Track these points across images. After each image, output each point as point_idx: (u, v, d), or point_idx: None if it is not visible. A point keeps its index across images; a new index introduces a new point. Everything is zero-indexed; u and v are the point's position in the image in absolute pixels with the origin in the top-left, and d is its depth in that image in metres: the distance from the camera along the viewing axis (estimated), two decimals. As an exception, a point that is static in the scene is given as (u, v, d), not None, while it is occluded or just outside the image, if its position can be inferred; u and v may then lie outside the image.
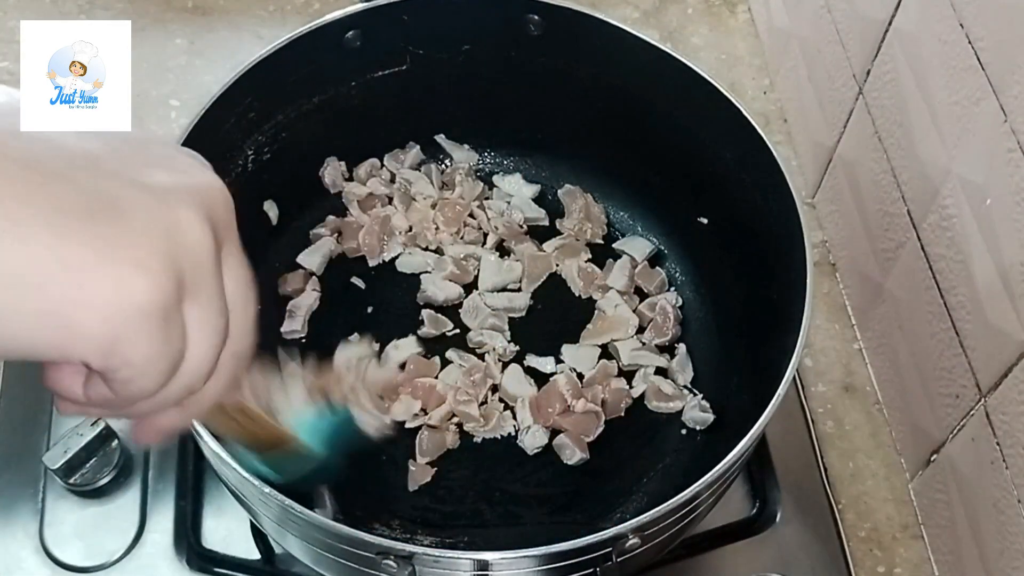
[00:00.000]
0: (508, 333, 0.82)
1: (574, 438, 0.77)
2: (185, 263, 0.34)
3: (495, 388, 0.79)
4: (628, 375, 0.81)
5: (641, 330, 0.83)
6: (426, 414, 0.78)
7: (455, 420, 0.78)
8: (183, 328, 0.34)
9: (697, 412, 0.78)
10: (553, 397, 0.78)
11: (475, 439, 0.78)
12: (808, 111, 0.95)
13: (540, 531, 0.73)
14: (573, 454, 0.76)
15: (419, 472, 0.75)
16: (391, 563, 0.56)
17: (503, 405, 0.79)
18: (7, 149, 0.35)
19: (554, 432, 0.77)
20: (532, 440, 0.77)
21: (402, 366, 0.80)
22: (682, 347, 0.82)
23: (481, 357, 0.81)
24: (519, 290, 0.84)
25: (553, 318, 0.84)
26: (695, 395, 0.79)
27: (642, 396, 0.80)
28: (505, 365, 0.80)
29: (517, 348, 0.81)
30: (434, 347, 0.82)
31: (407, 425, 0.77)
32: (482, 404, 0.78)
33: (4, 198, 0.32)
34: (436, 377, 0.79)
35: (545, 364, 0.81)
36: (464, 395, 0.78)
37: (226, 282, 0.37)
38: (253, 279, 0.39)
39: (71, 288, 0.31)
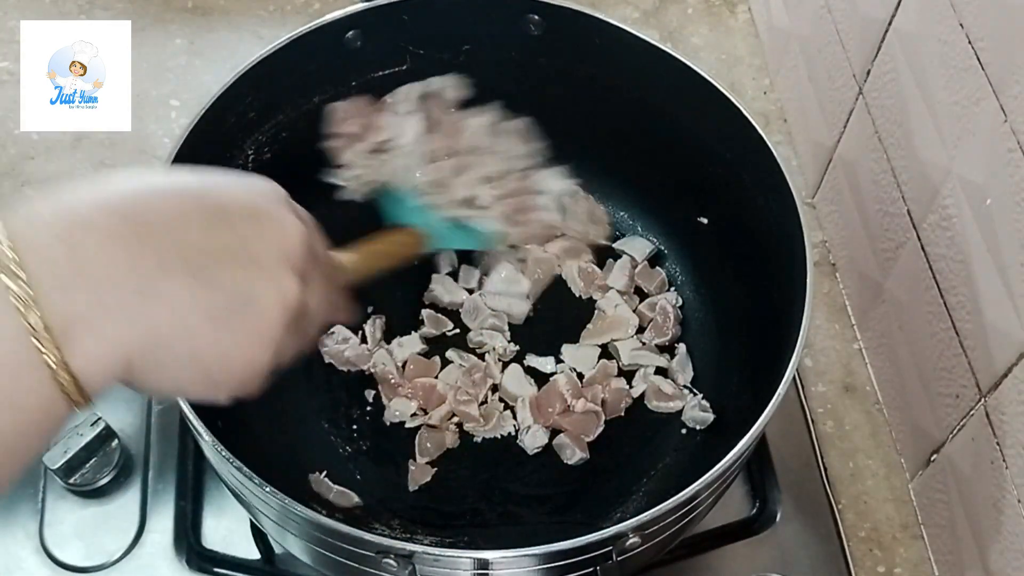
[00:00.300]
0: (508, 333, 0.82)
1: (574, 438, 0.77)
2: (291, 317, 0.45)
3: (495, 388, 0.79)
4: (628, 375, 0.81)
5: (641, 330, 0.83)
6: (426, 414, 0.78)
7: (455, 420, 0.78)
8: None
9: (697, 412, 0.78)
10: (553, 397, 0.78)
11: (475, 439, 0.78)
12: (808, 111, 0.95)
13: (540, 530, 0.73)
14: (573, 454, 0.76)
15: (419, 472, 0.75)
16: (391, 562, 0.57)
17: (503, 405, 0.79)
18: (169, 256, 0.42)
19: (554, 432, 0.77)
20: (532, 440, 0.77)
21: (402, 366, 0.80)
22: (682, 347, 0.82)
23: (481, 357, 0.81)
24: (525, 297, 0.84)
25: (553, 318, 0.84)
26: (695, 395, 0.79)
27: (642, 396, 0.80)
28: (505, 365, 0.80)
29: (517, 348, 0.81)
30: (434, 347, 0.82)
31: (407, 425, 0.78)
32: (482, 404, 0.78)
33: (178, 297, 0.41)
34: (436, 377, 0.79)
35: (545, 364, 0.81)
36: (464, 395, 0.78)
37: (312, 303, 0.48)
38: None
39: (220, 359, 0.44)
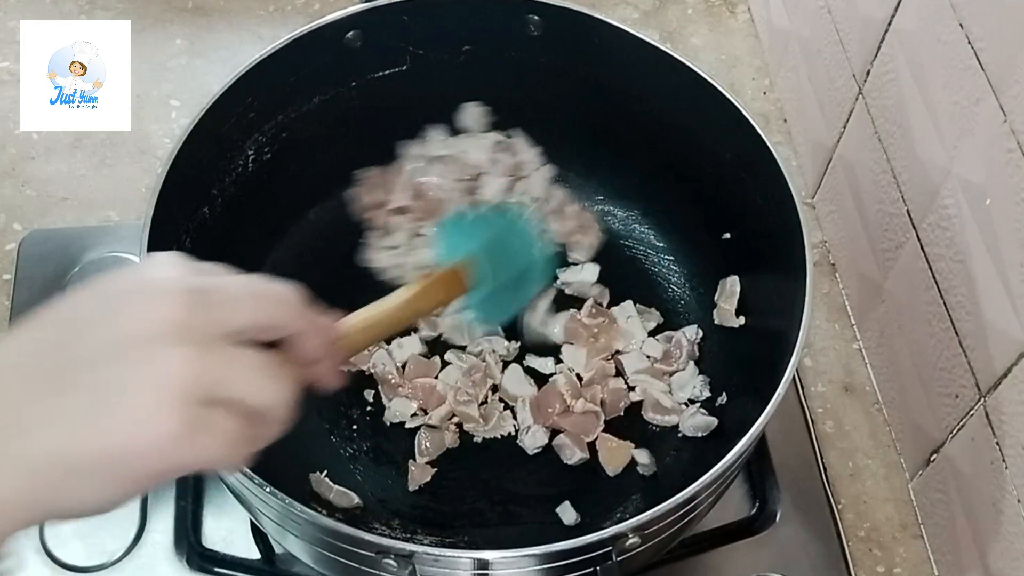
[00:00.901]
0: (503, 334, 0.82)
1: (574, 438, 0.77)
2: (188, 389, 0.39)
3: (495, 388, 0.79)
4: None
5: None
6: (426, 414, 0.78)
7: (455, 420, 0.78)
8: (218, 417, 0.40)
9: (699, 418, 0.77)
10: (553, 397, 0.78)
11: (475, 439, 0.78)
12: (808, 111, 0.95)
13: (540, 530, 0.73)
14: (573, 454, 0.76)
15: (419, 472, 0.75)
16: (391, 562, 0.57)
17: (503, 405, 0.79)
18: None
19: (554, 432, 0.77)
20: (532, 440, 0.77)
21: (402, 366, 0.80)
22: (691, 365, 0.81)
23: (481, 358, 0.81)
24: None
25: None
26: (693, 404, 0.79)
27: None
28: (505, 365, 0.80)
29: (518, 345, 0.81)
30: (434, 347, 0.82)
31: (407, 426, 0.78)
32: (482, 404, 0.78)
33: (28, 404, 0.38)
34: (436, 377, 0.79)
35: (545, 364, 0.81)
36: (464, 395, 0.78)
37: (238, 369, 0.41)
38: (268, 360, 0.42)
39: (120, 456, 0.38)
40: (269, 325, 0.43)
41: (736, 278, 0.80)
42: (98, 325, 0.39)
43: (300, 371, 0.45)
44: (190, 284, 0.41)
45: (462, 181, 0.78)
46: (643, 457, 0.77)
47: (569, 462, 0.76)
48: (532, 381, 0.79)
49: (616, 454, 0.76)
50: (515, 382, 0.79)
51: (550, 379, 0.79)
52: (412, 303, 0.58)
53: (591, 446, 0.77)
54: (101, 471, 0.38)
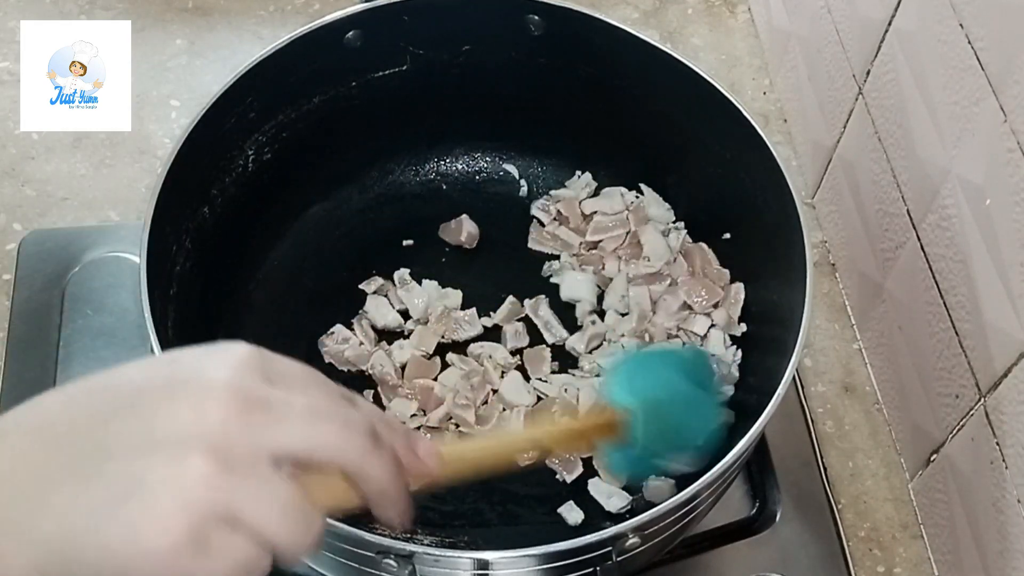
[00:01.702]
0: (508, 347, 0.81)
1: (564, 461, 0.75)
2: (199, 507, 0.36)
3: (495, 390, 0.79)
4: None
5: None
6: (425, 415, 0.78)
7: (454, 421, 0.78)
8: (229, 542, 0.37)
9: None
10: (545, 416, 0.76)
11: (475, 439, 0.78)
12: (808, 111, 0.95)
13: (540, 530, 0.73)
14: (568, 474, 0.75)
15: (419, 472, 0.75)
16: (391, 562, 0.57)
17: (502, 407, 0.78)
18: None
19: None
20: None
21: (402, 367, 0.80)
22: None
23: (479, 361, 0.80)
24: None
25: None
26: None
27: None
28: (504, 372, 0.80)
29: (517, 362, 0.80)
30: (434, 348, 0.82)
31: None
32: (482, 404, 0.78)
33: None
34: (436, 379, 0.79)
35: (549, 387, 0.79)
36: (463, 399, 0.77)
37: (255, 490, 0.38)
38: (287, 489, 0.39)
39: (115, 558, 0.36)
40: (323, 460, 0.40)
41: (740, 285, 0.80)
42: (136, 413, 0.38)
43: (359, 502, 0.42)
44: (247, 391, 0.38)
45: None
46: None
47: (568, 479, 0.75)
48: (532, 389, 0.79)
49: None
50: (514, 390, 0.78)
51: (547, 398, 0.78)
52: (549, 442, 0.55)
53: (586, 459, 0.76)
54: (105, 567, 0.36)
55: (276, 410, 0.38)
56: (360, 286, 0.83)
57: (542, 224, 0.87)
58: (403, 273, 0.83)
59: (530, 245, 0.86)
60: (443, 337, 0.81)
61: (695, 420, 0.62)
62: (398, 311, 0.82)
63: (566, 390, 0.78)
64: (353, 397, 0.43)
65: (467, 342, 0.81)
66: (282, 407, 0.39)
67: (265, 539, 0.38)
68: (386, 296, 0.83)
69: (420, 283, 0.83)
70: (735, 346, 0.79)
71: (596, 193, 0.88)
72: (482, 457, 0.50)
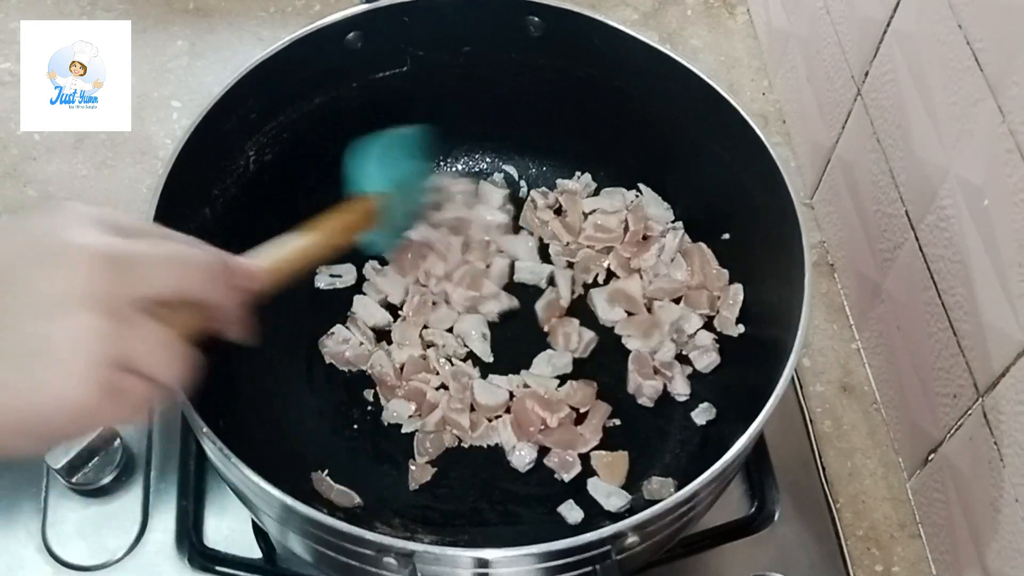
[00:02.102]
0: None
1: (561, 458, 0.76)
2: (103, 352, 0.42)
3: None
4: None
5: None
6: (421, 417, 0.78)
7: (449, 426, 0.78)
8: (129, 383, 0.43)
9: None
10: (529, 415, 0.77)
11: (475, 439, 0.78)
12: (807, 112, 0.96)
13: (540, 530, 0.73)
14: (567, 472, 0.75)
15: (419, 472, 0.75)
16: (392, 561, 0.57)
17: (486, 418, 0.78)
18: None
19: (543, 449, 0.77)
20: (520, 459, 0.76)
21: (401, 367, 0.80)
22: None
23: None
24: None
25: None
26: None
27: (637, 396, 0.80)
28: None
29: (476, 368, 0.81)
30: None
31: (403, 429, 0.77)
32: (472, 411, 0.78)
33: None
34: (436, 375, 0.79)
35: (508, 382, 0.80)
36: (457, 403, 0.77)
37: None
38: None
39: (24, 407, 0.41)
40: (183, 294, 0.46)
41: (740, 286, 0.80)
42: (17, 284, 0.41)
43: (207, 326, 0.49)
44: (108, 249, 0.43)
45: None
46: (680, 386, 0.78)
47: (566, 479, 0.76)
48: (501, 385, 0.78)
49: (614, 468, 0.75)
50: (487, 393, 0.78)
51: (515, 398, 0.78)
52: (324, 239, 0.64)
53: (584, 458, 0.76)
54: (21, 430, 0.41)
55: (138, 262, 0.44)
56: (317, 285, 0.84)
57: (535, 206, 0.87)
58: (372, 264, 0.84)
59: (521, 222, 0.87)
60: (427, 327, 0.82)
61: (418, 187, 0.77)
62: (383, 305, 0.82)
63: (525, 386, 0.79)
64: (189, 239, 0.49)
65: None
66: (142, 259, 0.44)
67: (155, 376, 0.44)
68: (364, 293, 0.83)
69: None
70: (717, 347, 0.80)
71: (596, 193, 0.88)
72: (293, 259, 0.61)
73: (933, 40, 0.70)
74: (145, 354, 0.43)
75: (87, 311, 0.41)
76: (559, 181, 0.89)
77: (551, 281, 0.84)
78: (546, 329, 0.82)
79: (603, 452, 0.76)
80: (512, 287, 0.85)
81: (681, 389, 0.78)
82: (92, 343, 0.41)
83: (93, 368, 0.41)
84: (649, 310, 0.82)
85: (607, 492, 0.74)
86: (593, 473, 0.76)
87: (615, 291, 0.83)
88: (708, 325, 0.81)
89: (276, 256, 0.59)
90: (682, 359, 0.80)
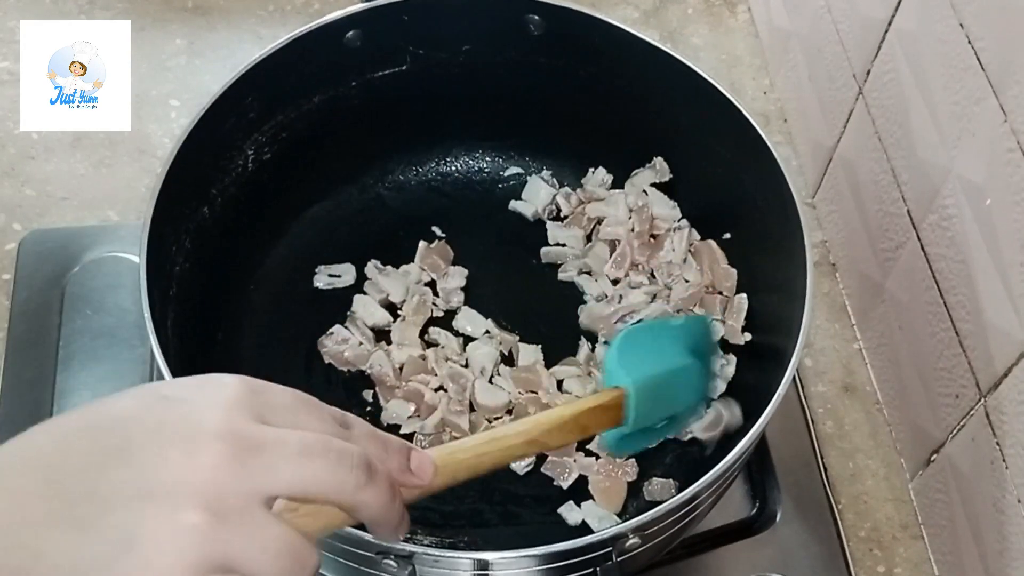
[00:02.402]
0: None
1: (559, 463, 0.75)
2: (193, 564, 0.36)
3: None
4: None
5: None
6: (421, 419, 0.78)
7: (448, 428, 0.77)
8: None
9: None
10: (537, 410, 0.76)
11: (475, 439, 0.78)
12: (808, 111, 0.95)
13: (540, 531, 0.73)
14: (565, 477, 0.75)
15: (418, 473, 0.75)
16: (391, 562, 0.57)
17: (486, 419, 0.77)
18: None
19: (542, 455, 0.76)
20: (518, 462, 0.75)
21: (400, 367, 0.80)
22: None
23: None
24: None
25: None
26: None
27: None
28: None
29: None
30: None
31: (402, 431, 0.77)
32: (472, 411, 0.78)
33: None
34: (434, 376, 0.79)
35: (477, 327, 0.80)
36: (456, 405, 0.77)
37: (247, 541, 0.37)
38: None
39: None
40: (317, 497, 0.40)
41: (744, 296, 0.79)
42: (128, 459, 0.37)
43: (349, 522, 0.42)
44: (238, 434, 0.38)
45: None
46: None
47: (565, 485, 0.75)
48: (503, 386, 0.78)
49: (611, 495, 0.74)
50: (487, 394, 0.77)
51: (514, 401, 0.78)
52: (543, 435, 0.52)
53: (589, 449, 0.76)
54: None
55: (268, 452, 0.38)
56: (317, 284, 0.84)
57: (559, 217, 0.87)
58: (373, 263, 0.84)
59: (548, 244, 0.86)
60: (427, 332, 0.81)
61: (686, 390, 0.63)
62: (384, 305, 0.82)
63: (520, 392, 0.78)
64: (346, 418, 0.43)
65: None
66: (274, 448, 0.38)
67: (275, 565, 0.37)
68: (366, 293, 0.83)
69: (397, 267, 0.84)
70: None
71: (613, 186, 0.87)
72: (477, 461, 0.49)
73: (935, 39, 0.70)
74: (250, 558, 0.37)
75: (191, 505, 0.36)
76: (584, 181, 0.88)
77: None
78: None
79: (601, 476, 0.75)
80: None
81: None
82: (185, 542, 0.36)
83: (180, 571, 0.36)
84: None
85: (599, 516, 0.73)
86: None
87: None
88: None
89: (460, 453, 0.49)
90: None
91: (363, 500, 0.41)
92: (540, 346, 0.80)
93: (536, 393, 0.78)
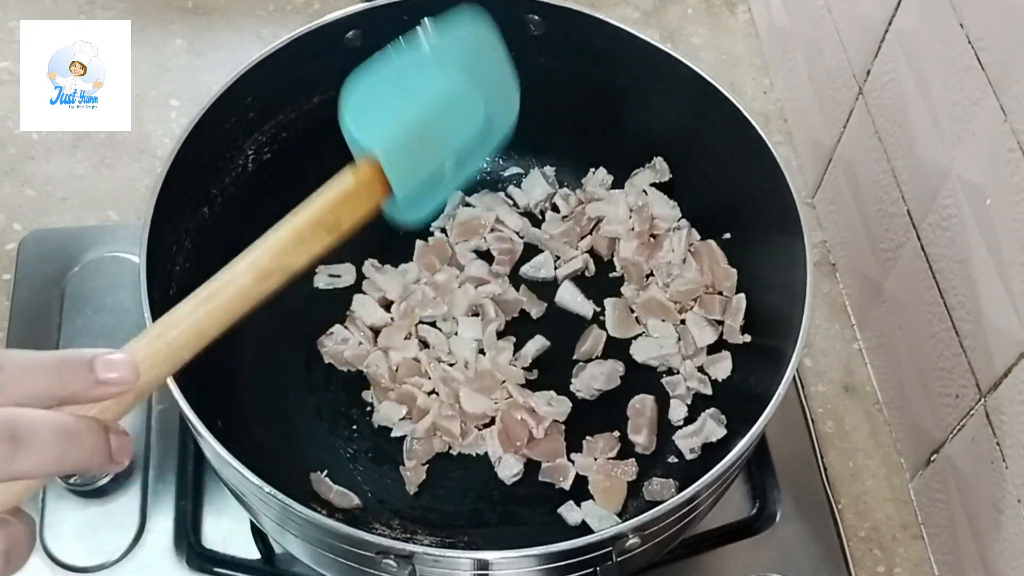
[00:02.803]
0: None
1: (552, 468, 0.75)
2: None
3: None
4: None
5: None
6: (412, 421, 0.77)
7: (440, 432, 0.77)
8: None
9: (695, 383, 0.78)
10: (517, 426, 0.76)
11: (475, 439, 0.78)
12: (808, 111, 0.95)
13: (540, 530, 0.73)
14: (563, 479, 0.75)
15: (414, 474, 0.75)
16: (391, 562, 0.57)
17: (475, 426, 0.77)
18: None
19: (536, 463, 0.76)
20: (506, 470, 0.75)
21: (396, 368, 0.79)
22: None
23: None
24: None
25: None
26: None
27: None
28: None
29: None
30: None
31: (393, 434, 0.77)
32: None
33: None
34: (425, 375, 0.79)
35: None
36: (448, 410, 0.77)
37: None
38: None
39: None
40: (51, 396, 0.39)
41: (743, 296, 0.79)
42: None
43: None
44: None
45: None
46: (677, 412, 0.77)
47: (566, 487, 0.75)
48: (487, 396, 0.77)
49: (611, 494, 0.74)
50: (471, 402, 0.77)
51: (501, 412, 0.77)
52: (282, 259, 0.41)
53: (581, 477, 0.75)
54: None
55: (5, 372, 0.37)
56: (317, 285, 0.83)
57: (557, 211, 0.87)
58: (371, 262, 0.84)
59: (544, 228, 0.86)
60: (416, 332, 0.81)
61: (461, 118, 0.51)
62: (382, 304, 0.82)
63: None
64: None
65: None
66: (10, 368, 0.37)
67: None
68: (365, 293, 0.83)
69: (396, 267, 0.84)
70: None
71: (613, 186, 0.87)
72: (199, 328, 0.41)
73: (935, 39, 0.70)
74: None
75: None
76: (585, 182, 0.88)
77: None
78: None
79: (601, 476, 0.75)
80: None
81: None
82: None
83: None
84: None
85: (599, 515, 0.73)
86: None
87: (648, 300, 0.81)
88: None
89: (172, 329, 0.41)
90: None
91: (22, 470, 0.37)
92: (513, 338, 0.80)
93: (512, 397, 0.77)
